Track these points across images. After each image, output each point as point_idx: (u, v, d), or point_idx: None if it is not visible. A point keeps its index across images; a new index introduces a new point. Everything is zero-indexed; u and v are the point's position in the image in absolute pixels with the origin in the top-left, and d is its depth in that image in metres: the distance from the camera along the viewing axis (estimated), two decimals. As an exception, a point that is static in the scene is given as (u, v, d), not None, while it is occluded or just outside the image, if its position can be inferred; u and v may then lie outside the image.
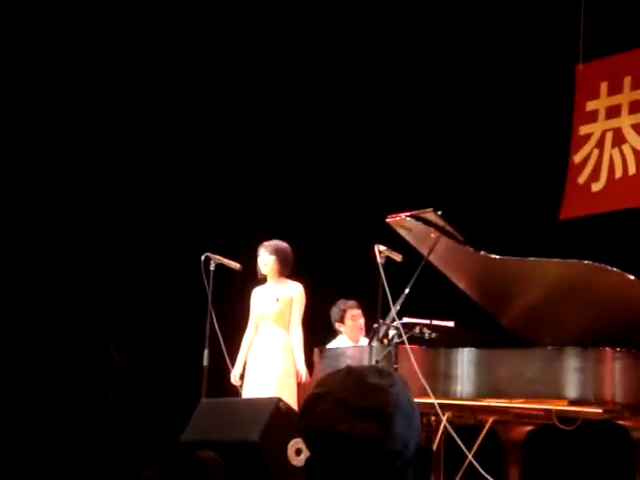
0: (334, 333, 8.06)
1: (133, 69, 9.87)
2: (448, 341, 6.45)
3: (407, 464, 1.81)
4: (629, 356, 5.82)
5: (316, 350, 7.23)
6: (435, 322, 6.66)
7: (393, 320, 6.23)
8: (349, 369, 1.88)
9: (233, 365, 7.29)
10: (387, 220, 6.53)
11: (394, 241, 6.68)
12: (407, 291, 6.23)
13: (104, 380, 9.49)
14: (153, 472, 2.26)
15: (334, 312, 8.07)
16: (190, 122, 10.07)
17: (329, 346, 7.78)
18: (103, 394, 9.45)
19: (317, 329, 7.91)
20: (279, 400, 5.70)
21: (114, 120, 9.78)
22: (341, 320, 8.00)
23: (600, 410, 6.00)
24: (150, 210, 9.96)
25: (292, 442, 5.45)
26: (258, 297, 7.46)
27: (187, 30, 10.05)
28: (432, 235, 6.37)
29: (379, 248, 6.55)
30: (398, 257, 6.69)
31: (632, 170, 8.73)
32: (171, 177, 10.03)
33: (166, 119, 10.00)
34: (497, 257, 6.33)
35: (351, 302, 8.01)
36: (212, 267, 7.16)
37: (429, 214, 6.37)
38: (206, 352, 7.02)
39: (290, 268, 7.40)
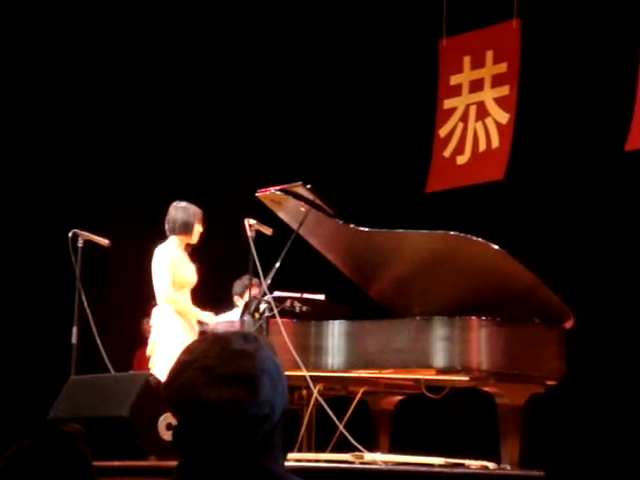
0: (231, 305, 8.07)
1: None
2: (319, 314, 6.50)
3: (274, 427, 1.83)
4: (494, 324, 5.97)
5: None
6: (306, 295, 6.71)
7: (264, 294, 6.25)
8: (214, 336, 1.88)
9: (102, 343, 7.11)
10: (257, 194, 6.53)
11: (265, 215, 6.69)
12: (278, 265, 6.25)
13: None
14: (16, 447, 2.22)
15: (237, 285, 8.06)
16: (55, 97, 9.89)
17: (222, 317, 7.77)
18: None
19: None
20: (149, 375, 5.67)
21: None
22: (241, 294, 8.00)
23: (466, 378, 6.13)
24: (16, 187, 9.75)
25: (163, 417, 5.43)
26: (183, 263, 7.12)
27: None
28: (302, 209, 6.40)
29: (249, 222, 6.54)
30: (268, 231, 6.69)
31: (495, 143, 8.89)
32: (38, 154, 9.84)
33: (23, 95, 9.80)
34: (365, 229, 6.39)
35: (256, 280, 7.95)
36: (80, 244, 7.05)
37: (298, 188, 6.39)
38: (75, 329, 6.92)
39: None
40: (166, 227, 7.12)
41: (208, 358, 1.81)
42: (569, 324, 6.26)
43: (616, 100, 8.16)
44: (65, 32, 9.88)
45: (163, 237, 7.28)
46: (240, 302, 7.96)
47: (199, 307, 7.21)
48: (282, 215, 6.59)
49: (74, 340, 6.90)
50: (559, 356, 6.21)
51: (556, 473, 1.69)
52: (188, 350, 1.86)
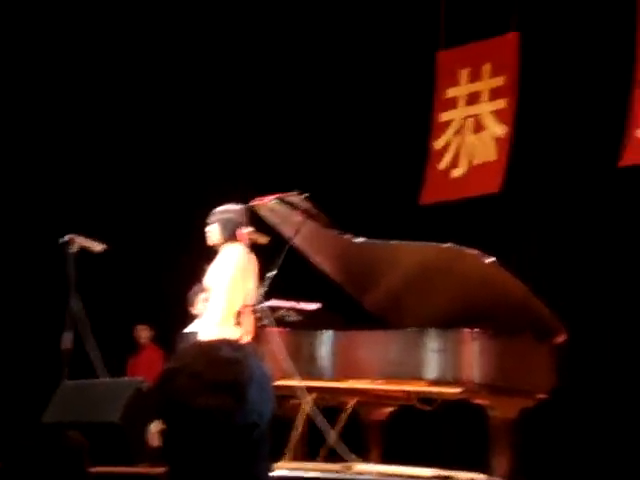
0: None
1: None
2: (312, 324, 6.51)
3: (262, 435, 1.85)
4: (486, 337, 5.97)
5: (177, 335, 7.22)
6: (301, 304, 6.70)
7: (259, 303, 6.25)
8: (203, 343, 1.90)
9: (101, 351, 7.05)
10: (252, 203, 6.53)
11: (261, 223, 6.68)
12: (272, 274, 6.25)
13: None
14: (18, 449, 2.24)
15: (190, 295, 7.99)
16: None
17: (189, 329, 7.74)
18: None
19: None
20: (141, 381, 5.68)
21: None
22: (192, 304, 7.91)
23: (458, 390, 6.13)
24: (13, 191, 9.80)
25: (153, 423, 5.43)
26: None
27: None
28: (297, 218, 6.41)
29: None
30: (265, 239, 6.68)
31: (491, 157, 8.88)
32: (36, 157, 9.88)
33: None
34: (360, 240, 6.40)
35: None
36: (73, 249, 7.05)
37: (294, 197, 6.40)
38: (67, 334, 6.91)
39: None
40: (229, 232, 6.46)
41: (197, 365, 1.82)
42: (561, 338, 6.27)
43: (612, 115, 8.18)
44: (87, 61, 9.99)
45: (156, 241, 7.26)
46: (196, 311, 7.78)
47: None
48: (277, 224, 6.59)
49: (68, 345, 6.90)
50: (550, 370, 6.22)
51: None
52: (177, 357, 1.87)
